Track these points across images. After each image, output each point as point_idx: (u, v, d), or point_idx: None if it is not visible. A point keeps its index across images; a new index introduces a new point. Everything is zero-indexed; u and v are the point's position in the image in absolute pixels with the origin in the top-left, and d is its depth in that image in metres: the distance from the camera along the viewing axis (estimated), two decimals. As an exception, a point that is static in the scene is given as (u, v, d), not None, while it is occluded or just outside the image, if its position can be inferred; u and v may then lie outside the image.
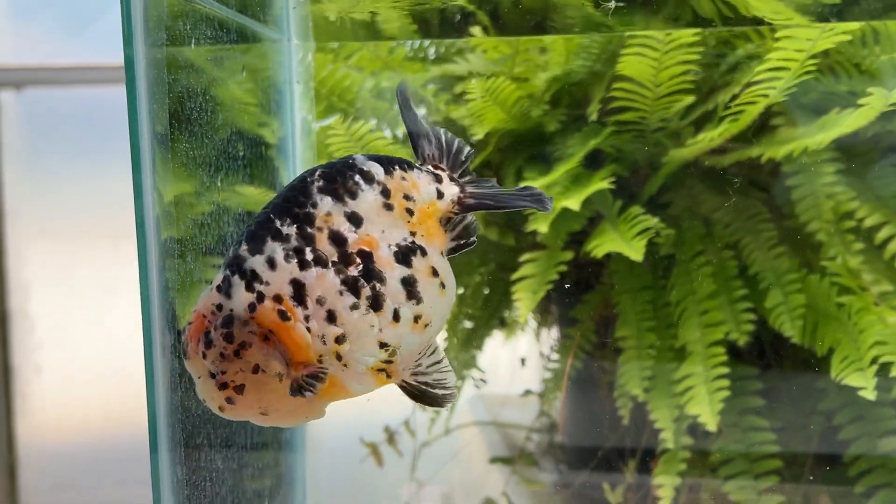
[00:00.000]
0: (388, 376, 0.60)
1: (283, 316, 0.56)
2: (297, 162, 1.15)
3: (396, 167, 0.61)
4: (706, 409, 1.02)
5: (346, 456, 1.29)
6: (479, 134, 1.14)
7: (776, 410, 1.15)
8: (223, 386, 0.56)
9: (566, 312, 1.29)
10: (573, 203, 1.02)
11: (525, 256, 1.13)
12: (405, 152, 1.18)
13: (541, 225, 1.04)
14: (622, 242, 1.02)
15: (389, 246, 0.58)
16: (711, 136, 1.03)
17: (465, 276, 1.27)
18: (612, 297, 1.19)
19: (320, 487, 1.22)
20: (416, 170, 0.62)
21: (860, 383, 0.94)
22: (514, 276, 1.12)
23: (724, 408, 1.09)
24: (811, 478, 1.13)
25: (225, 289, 0.57)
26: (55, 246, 1.68)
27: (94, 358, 1.64)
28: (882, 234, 1.03)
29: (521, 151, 1.20)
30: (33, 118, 1.67)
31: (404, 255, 0.58)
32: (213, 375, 0.56)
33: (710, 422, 1.02)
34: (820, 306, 1.02)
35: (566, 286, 1.20)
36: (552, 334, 1.38)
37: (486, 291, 1.34)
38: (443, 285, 0.60)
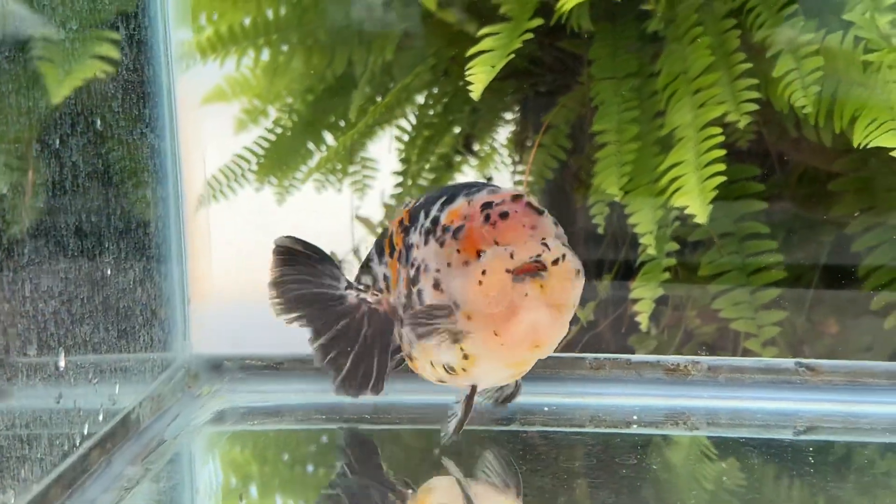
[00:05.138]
0: None
1: None
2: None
3: None
4: (696, 199, 0.84)
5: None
6: None
7: (780, 217, 0.97)
8: None
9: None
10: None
11: (484, 30, 0.93)
12: None
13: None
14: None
15: None
16: None
17: (417, 71, 1.08)
18: (591, 90, 1.00)
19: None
20: None
21: (891, 143, 0.75)
22: (470, 51, 0.92)
23: (719, 214, 0.91)
24: (817, 294, 0.96)
25: None
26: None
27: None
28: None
29: None
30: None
31: None
32: None
33: (701, 213, 0.84)
34: (840, 69, 0.83)
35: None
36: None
37: (445, 98, 1.15)
38: None
